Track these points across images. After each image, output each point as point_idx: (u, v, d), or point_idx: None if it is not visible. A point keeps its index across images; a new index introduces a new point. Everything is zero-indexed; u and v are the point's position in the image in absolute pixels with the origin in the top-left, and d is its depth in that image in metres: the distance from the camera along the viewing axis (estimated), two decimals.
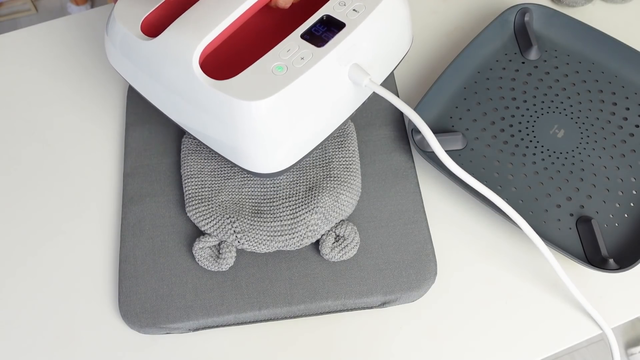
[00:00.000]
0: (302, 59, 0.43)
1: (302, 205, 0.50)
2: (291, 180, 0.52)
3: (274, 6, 0.48)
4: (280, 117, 0.43)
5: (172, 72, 0.45)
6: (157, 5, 0.48)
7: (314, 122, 0.45)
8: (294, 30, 0.45)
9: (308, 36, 0.44)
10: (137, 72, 0.49)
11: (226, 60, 0.42)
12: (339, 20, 0.45)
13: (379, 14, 0.46)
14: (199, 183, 0.52)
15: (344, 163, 0.53)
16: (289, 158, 0.46)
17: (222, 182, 0.52)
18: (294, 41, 0.44)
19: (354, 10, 0.45)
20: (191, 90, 0.44)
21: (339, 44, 0.44)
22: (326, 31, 0.45)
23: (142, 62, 0.47)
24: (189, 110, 0.46)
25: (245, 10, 0.45)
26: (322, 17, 0.45)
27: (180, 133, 0.57)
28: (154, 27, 0.48)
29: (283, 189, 0.52)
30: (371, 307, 0.50)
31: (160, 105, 0.49)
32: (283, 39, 0.45)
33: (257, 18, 0.53)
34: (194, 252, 0.50)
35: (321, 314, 0.49)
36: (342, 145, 0.54)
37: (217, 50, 0.46)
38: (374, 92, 0.49)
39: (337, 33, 0.44)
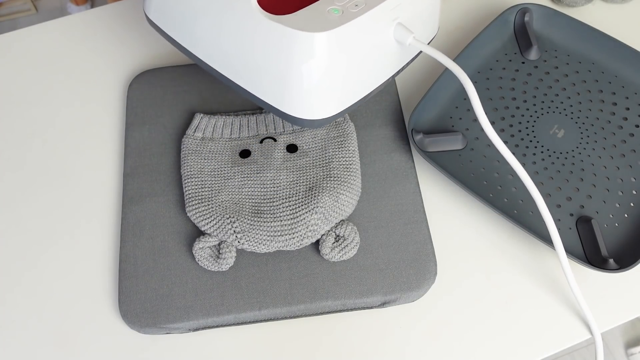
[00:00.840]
0: (357, 5, 0.45)
1: (302, 205, 0.50)
2: (291, 180, 0.52)
3: None
4: (334, 55, 0.44)
5: (228, 8, 0.45)
6: None
7: (360, 71, 0.47)
8: None
9: None
10: (184, 16, 0.49)
11: (278, 4, 0.44)
12: None
13: None
14: (199, 183, 0.52)
15: (344, 163, 0.53)
16: (333, 104, 0.47)
17: (222, 182, 0.52)
18: None
19: None
20: (246, 24, 0.45)
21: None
22: None
23: (197, 2, 0.47)
24: (241, 50, 0.46)
25: None
26: None
27: (180, 133, 0.57)
28: None
29: (283, 189, 0.52)
30: (371, 307, 0.50)
31: (204, 55, 0.49)
32: None
33: None
34: (194, 252, 0.50)
35: (321, 314, 0.49)
36: (342, 145, 0.54)
37: None
38: (415, 58, 0.51)
39: None
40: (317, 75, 0.44)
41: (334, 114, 0.47)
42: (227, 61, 0.48)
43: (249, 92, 0.48)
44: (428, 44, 0.53)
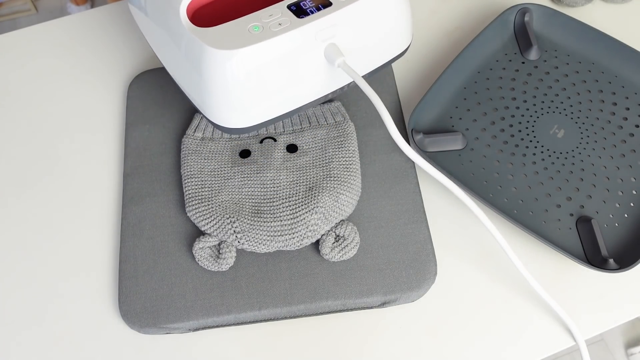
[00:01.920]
0: (280, 24, 0.45)
1: (302, 205, 0.50)
2: (291, 180, 0.52)
3: None
4: (245, 72, 0.45)
5: (164, 12, 0.48)
6: None
7: (281, 88, 0.47)
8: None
9: (294, 7, 0.46)
10: (140, 13, 0.52)
11: (216, 16, 0.46)
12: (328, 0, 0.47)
13: (369, 3, 0.47)
14: (199, 183, 0.52)
15: (344, 163, 0.53)
16: (250, 118, 0.48)
17: (222, 182, 0.52)
18: (278, 9, 0.46)
19: None
20: (174, 32, 0.47)
21: (318, 20, 0.46)
22: (313, 7, 0.46)
23: (146, 2, 0.50)
24: (172, 54, 0.48)
25: None
26: None
27: (180, 133, 0.57)
28: None
29: (283, 189, 0.52)
30: (371, 307, 0.50)
31: (155, 46, 0.52)
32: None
33: None
34: (194, 252, 0.50)
35: (321, 314, 0.49)
36: (342, 145, 0.54)
37: (211, 5, 0.49)
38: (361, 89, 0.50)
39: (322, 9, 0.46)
40: (225, 88, 0.45)
41: (253, 124, 0.48)
42: (171, 67, 0.50)
43: (186, 95, 0.50)
44: (398, 55, 0.53)
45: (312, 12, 0.46)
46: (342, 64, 0.47)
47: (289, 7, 0.46)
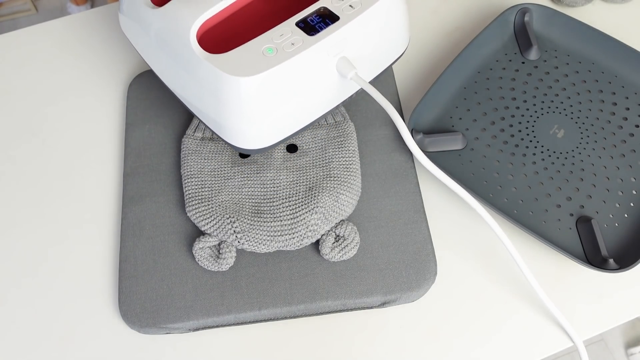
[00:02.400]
0: (293, 44, 0.45)
1: (302, 205, 0.50)
2: (291, 180, 0.52)
3: None
4: (264, 96, 0.45)
5: (172, 41, 0.47)
6: None
7: (297, 106, 0.47)
8: (293, 14, 0.47)
9: (303, 24, 0.46)
10: (142, 38, 0.51)
11: (225, 37, 0.45)
12: (334, 14, 0.47)
13: (374, 12, 0.48)
14: (199, 183, 0.52)
15: (344, 163, 0.53)
16: (268, 137, 0.48)
17: (222, 182, 0.52)
18: (288, 27, 0.46)
19: (350, 5, 0.47)
20: (186, 60, 0.46)
21: (329, 36, 0.46)
22: (321, 22, 0.47)
23: (148, 28, 0.49)
24: (184, 80, 0.48)
25: None
26: (319, 9, 0.47)
27: (180, 133, 0.57)
28: None
29: (283, 189, 0.52)
30: (371, 307, 0.50)
31: (161, 73, 0.51)
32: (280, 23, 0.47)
33: (260, 1, 0.55)
34: (193, 252, 0.50)
35: (321, 314, 0.49)
36: (342, 145, 0.54)
37: (217, 27, 0.49)
38: (363, 91, 0.50)
39: (330, 25, 0.46)
40: (244, 113, 0.45)
41: (270, 144, 0.49)
42: (176, 87, 0.50)
43: (197, 117, 0.50)
44: (398, 57, 0.54)
45: (321, 28, 0.46)
46: (354, 77, 0.47)
47: (297, 24, 0.46)
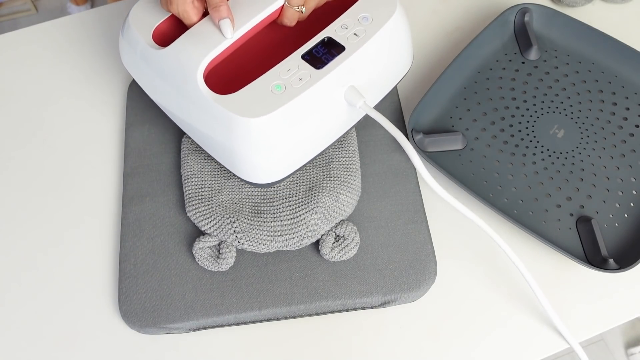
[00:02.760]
0: (301, 79, 0.45)
1: (302, 205, 0.50)
2: (291, 180, 0.52)
3: (280, 23, 0.49)
4: (275, 134, 0.45)
5: (178, 83, 0.47)
6: (169, 16, 0.50)
7: (308, 139, 0.47)
8: (297, 47, 0.47)
9: (308, 57, 0.46)
10: (146, 77, 0.50)
11: (231, 73, 0.45)
12: (340, 44, 0.47)
13: (379, 39, 0.48)
14: (199, 183, 0.52)
15: (344, 163, 0.53)
16: (282, 171, 0.48)
17: (222, 182, 0.52)
18: (294, 61, 0.46)
19: (354, 34, 0.47)
20: (195, 102, 0.46)
21: (337, 67, 0.46)
22: (326, 53, 0.46)
23: (152, 69, 0.49)
24: (192, 120, 0.47)
25: (251, 27, 0.47)
26: (323, 39, 0.47)
27: (180, 133, 0.57)
28: (165, 36, 0.50)
29: (283, 189, 0.52)
30: (371, 307, 0.50)
31: (166, 110, 0.51)
32: (286, 57, 0.46)
33: (263, 34, 0.55)
34: (194, 252, 0.50)
35: (321, 314, 0.49)
36: (342, 145, 0.54)
37: (223, 63, 0.48)
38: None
39: (336, 56, 0.46)
40: (257, 152, 0.45)
41: (283, 177, 0.49)
42: (184, 126, 0.50)
43: (207, 153, 0.50)
44: (402, 78, 0.54)
45: (327, 59, 0.46)
46: (363, 105, 0.47)
47: (303, 57, 0.46)
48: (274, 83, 0.45)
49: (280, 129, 0.45)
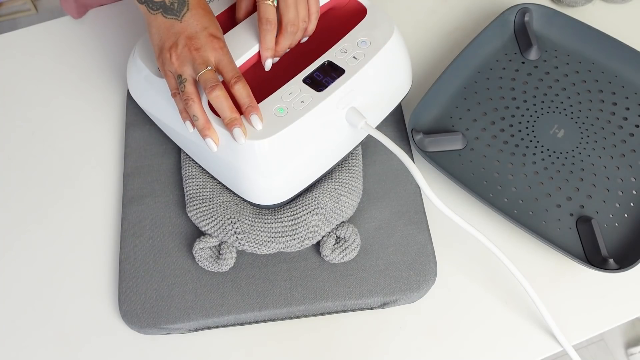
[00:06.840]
0: (302, 102, 0.46)
1: (302, 207, 0.50)
2: None
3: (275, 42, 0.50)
4: (279, 155, 0.46)
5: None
6: None
7: (311, 160, 0.48)
8: (298, 72, 0.48)
9: (309, 80, 0.48)
10: (152, 105, 0.53)
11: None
12: (340, 67, 0.48)
13: (377, 61, 0.49)
14: (200, 183, 0.52)
15: (345, 165, 0.53)
16: (286, 192, 0.49)
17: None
18: (295, 85, 0.47)
19: (354, 57, 0.49)
20: None
21: (337, 90, 0.47)
22: (327, 76, 0.48)
23: (157, 97, 0.51)
24: (198, 145, 0.49)
25: (253, 54, 0.49)
26: (323, 63, 0.49)
27: None
28: None
29: None
30: (371, 308, 0.50)
31: (171, 135, 0.53)
32: (287, 81, 0.48)
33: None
34: (194, 252, 0.50)
35: (321, 314, 0.49)
36: None
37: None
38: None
39: (336, 78, 0.48)
40: (261, 173, 0.47)
41: (287, 198, 0.49)
42: (190, 151, 0.52)
43: (211, 174, 0.52)
44: (403, 98, 0.55)
45: (328, 82, 0.47)
46: (364, 126, 0.48)
47: (304, 81, 0.48)
48: (276, 106, 0.46)
49: (284, 150, 0.46)
